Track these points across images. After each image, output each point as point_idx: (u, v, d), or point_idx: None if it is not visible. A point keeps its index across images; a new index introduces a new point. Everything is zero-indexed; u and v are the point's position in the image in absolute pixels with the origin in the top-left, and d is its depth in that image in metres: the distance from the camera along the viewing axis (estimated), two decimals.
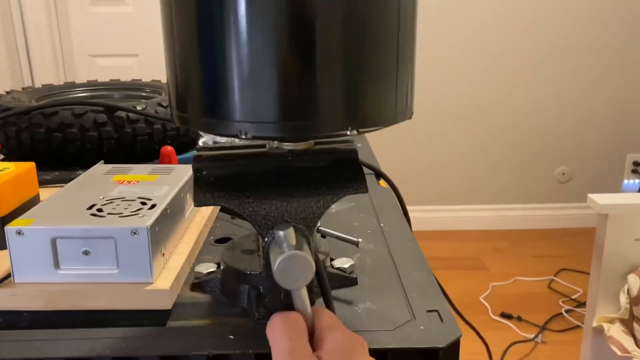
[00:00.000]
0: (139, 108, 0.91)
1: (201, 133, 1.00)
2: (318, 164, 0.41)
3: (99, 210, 0.50)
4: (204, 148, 0.42)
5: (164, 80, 1.20)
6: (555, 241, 2.54)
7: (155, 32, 2.39)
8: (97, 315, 0.46)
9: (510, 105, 2.55)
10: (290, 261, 0.35)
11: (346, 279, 0.51)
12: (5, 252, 0.47)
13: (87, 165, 0.89)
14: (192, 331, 0.44)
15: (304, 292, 0.37)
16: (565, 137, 2.59)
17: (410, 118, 0.39)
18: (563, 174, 2.64)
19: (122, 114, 0.89)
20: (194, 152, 0.42)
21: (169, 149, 0.80)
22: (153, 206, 0.51)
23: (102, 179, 0.60)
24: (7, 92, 1.04)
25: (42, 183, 0.76)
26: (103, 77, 2.51)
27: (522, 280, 2.20)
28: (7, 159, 0.96)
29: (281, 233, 0.36)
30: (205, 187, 0.38)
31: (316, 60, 0.33)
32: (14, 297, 0.47)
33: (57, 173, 0.87)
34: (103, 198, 0.53)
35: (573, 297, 2.09)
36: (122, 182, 0.58)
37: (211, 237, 0.64)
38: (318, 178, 0.40)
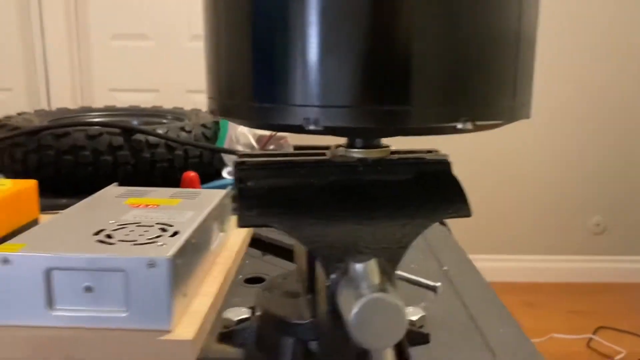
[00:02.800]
0: (159, 131, 0.82)
1: (226, 161, 0.91)
2: (399, 177, 0.31)
3: (108, 236, 0.40)
4: (247, 155, 0.33)
5: (186, 107, 1.12)
6: (591, 296, 2.37)
7: (176, 68, 2.35)
8: None
9: (539, 156, 2.45)
10: (374, 308, 0.24)
11: (416, 335, 0.40)
12: None
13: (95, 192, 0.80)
14: None
15: (390, 356, 0.26)
16: (599, 186, 2.47)
17: (528, 117, 0.29)
18: (597, 224, 2.50)
19: (141, 137, 0.81)
20: (235, 159, 0.32)
21: (192, 174, 0.70)
22: (175, 234, 0.41)
23: (114, 202, 0.50)
24: (19, 114, 0.97)
25: (46, 208, 0.66)
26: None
27: (558, 337, 2.04)
28: None
29: (359, 267, 0.26)
30: (251, 203, 0.28)
31: (414, 18, 0.24)
32: None
33: (64, 200, 0.78)
34: (114, 222, 0.43)
35: (616, 358, 1.92)
36: (138, 206, 0.49)
37: (240, 276, 0.53)
38: (402, 195, 0.30)
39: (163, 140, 0.82)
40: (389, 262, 0.28)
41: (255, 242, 0.61)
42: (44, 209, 0.59)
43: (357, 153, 0.31)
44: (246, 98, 0.26)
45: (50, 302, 0.37)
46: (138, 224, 0.43)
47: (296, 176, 0.30)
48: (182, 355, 0.36)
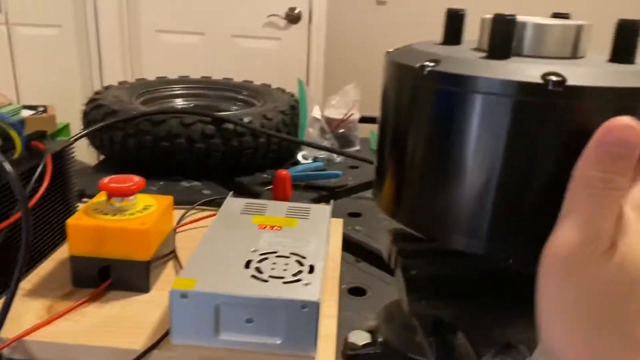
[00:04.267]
0: (246, 120, 0.88)
1: (303, 147, 0.97)
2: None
3: (258, 269, 0.47)
4: (400, 234, 0.39)
5: (236, 79, 1.15)
6: None
7: (220, 10, 2.35)
8: None
9: None
10: None
11: None
12: (148, 298, 0.44)
13: (191, 177, 0.87)
14: None
15: None
16: None
17: None
18: None
19: (230, 126, 0.86)
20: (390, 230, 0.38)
21: (284, 173, 0.76)
22: (311, 268, 0.48)
23: (242, 221, 0.57)
24: (105, 88, 1.02)
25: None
26: (168, 56, 2.50)
27: None
28: (108, 162, 0.95)
29: None
30: (419, 294, 0.35)
31: None
32: None
33: (161, 183, 0.85)
34: (255, 251, 0.50)
35: None
36: (264, 227, 0.55)
37: (343, 286, 0.60)
38: None
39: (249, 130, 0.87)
40: None
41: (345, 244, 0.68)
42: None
43: None
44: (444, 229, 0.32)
45: (217, 329, 0.44)
46: (276, 254, 0.50)
47: (453, 265, 0.36)
48: None
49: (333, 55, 2.42)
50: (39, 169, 0.51)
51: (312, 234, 0.55)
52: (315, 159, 0.96)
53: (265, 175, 0.90)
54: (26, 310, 0.48)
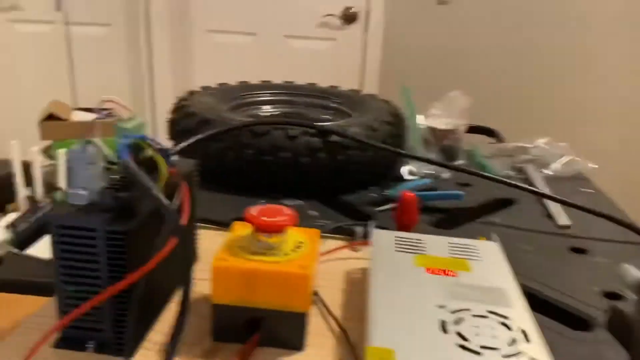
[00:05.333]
0: (352, 132, 0.78)
1: (409, 162, 0.87)
2: None
3: (461, 336, 0.37)
4: None
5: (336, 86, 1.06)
6: None
7: (273, 10, 2.28)
8: None
9: None
10: None
11: None
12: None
13: (292, 195, 0.78)
14: None
15: None
16: None
17: None
18: None
19: (336, 138, 0.77)
20: None
21: (410, 195, 0.67)
22: (525, 335, 0.38)
23: (404, 263, 0.47)
24: (190, 93, 0.94)
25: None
26: (219, 56, 2.44)
27: None
28: (203, 181, 0.86)
29: None
30: None
31: None
32: None
33: (262, 201, 0.76)
34: (443, 308, 0.41)
35: None
36: (434, 272, 0.46)
37: None
38: None
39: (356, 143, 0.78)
40: None
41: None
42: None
43: None
44: None
45: None
46: (470, 312, 0.40)
47: None
48: None
49: (390, 58, 2.32)
50: (179, 198, 0.42)
51: (496, 282, 0.45)
52: (422, 176, 0.86)
53: (373, 195, 0.80)
54: None
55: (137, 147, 0.39)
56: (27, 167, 0.74)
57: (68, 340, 0.42)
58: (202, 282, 0.52)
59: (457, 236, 0.54)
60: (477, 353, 0.36)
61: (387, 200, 0.77)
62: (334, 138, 0.77)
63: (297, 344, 0.43)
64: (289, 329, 0.43)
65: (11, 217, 0.63)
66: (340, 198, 0.79)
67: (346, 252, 0.60)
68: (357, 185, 0.83)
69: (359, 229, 0.63)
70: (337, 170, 0.78)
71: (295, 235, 0.46)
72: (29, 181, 0.74)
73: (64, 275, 0.40)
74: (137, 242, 0.40)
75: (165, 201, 0.35)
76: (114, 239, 0.38)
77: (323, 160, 0.77)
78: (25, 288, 0.56)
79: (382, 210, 0.75)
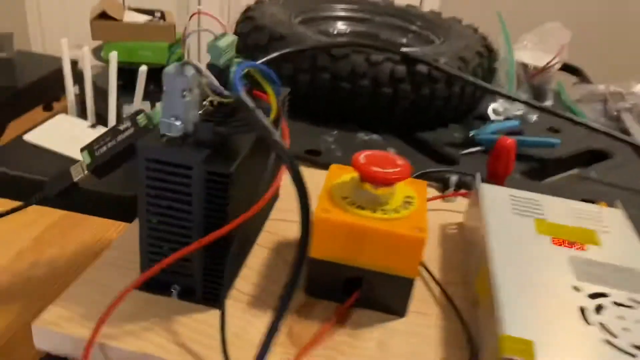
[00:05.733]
0: (442, 62, 0.70)
1: (498, 100, 0.79)
2: None
3: (606, 329, 0.32)
4: None
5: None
6: None
7: None
8: None
9: None
10: None
11: None
12: (406, 327, 0.31)
13: (368, 128, 0.72)
14: None
15: None
16: None
17: None
18: None
19: (424, 68, 0.69)
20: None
21: (509, 141, 0.59)
22: None
23: (525, 229, 0.41)
24: (256, 2, 0.85)
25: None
26: None
27: None
28: None
29: None
30: None
31: None
32: None
33: (335, 133, 0.70)
34: (579, 291, 0.35)
35: None
36: (561, 244, 0.40)
37: None
38: None
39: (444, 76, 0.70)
40: None
41: None
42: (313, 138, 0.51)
43: None
44: None
45: None
46: (609, 298, 0.35)
47: None
48: None
49: None
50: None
51: (631, 261, 0.39)
52: (507, 117, 0.78)
53: (455, 134, 0.73)
54: (257, 330, 0.35)
55: (247, 76, 0.33)
56: (74, 65, 0.69)
57: (150, 281, 0.38)
58: (279, 223, 0.47)
59: (550, 190, 0.47)
60: (631, 355, 0.31)
61: (472, 142, 0.70)
62: (421, 68, 0.69)
63: (399, 310, 0.39)
64: (393, 293, 0.38)
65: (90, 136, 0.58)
66: (419, 135, 0.72)
67: (437, 203, 0.55)
68: (438, 123, 0.75)
69: (453, 178, 0.57)
70: (421, 105, 0.71)
71: (403, 187, 0.40)
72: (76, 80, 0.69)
73: (152, 214, 0.35)
74: (237, 185, 0.34)
75: (282, 144, 0.29)
76: (215, 182, 0.33)
77: (406, 93, 0.69)
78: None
79: (465, 153, 0.68)
